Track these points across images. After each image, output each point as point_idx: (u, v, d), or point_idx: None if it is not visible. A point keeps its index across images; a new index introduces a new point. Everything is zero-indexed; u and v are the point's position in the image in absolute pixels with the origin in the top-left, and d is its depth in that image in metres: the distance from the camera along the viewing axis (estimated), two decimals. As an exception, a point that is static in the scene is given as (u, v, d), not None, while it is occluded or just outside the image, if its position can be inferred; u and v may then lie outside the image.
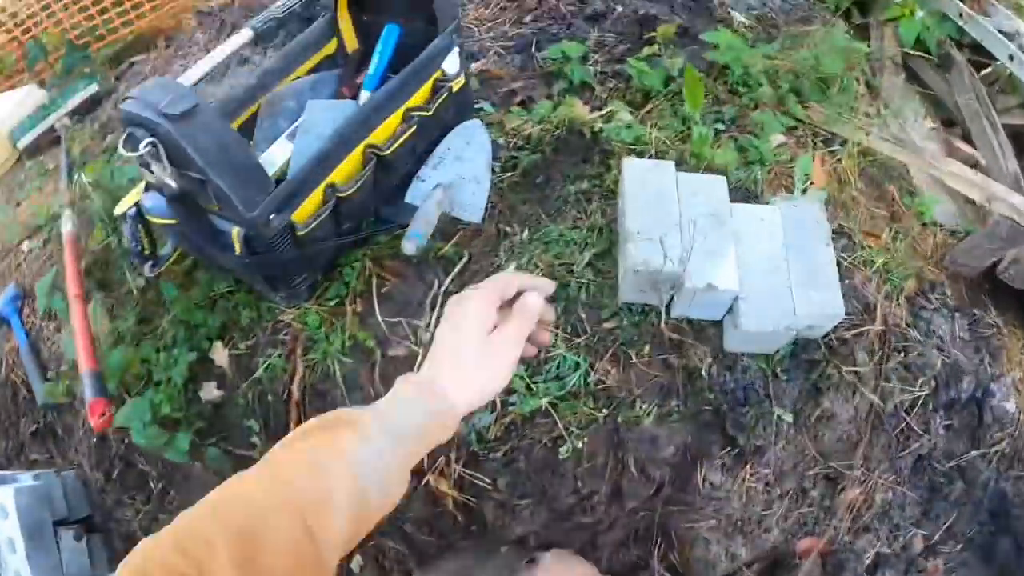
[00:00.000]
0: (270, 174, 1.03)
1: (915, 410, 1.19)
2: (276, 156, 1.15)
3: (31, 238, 1.58)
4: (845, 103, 1.39)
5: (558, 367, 1.13)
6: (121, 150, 0.91)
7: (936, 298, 1.27)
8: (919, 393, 1.19)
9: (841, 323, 1.14)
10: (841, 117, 1.40)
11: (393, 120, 1.13)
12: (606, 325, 1.17)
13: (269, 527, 0.55)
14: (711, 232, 1.10)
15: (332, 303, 1.23)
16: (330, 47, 1.31)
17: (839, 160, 1.40)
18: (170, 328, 1.30)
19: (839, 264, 1.16)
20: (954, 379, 1.20)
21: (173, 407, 1.28)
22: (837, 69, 1.41)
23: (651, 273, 1.05)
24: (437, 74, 1.18)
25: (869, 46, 1.60)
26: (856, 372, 1.15)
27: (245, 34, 1.04)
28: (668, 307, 1.13)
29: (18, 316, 1.49)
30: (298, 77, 1.28)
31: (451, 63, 1.19)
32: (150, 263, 1.14)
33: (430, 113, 1.17)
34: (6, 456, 1.54)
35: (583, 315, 1.16)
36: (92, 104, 1.83)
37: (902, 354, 1.21)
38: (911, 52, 1.63)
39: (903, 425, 1.18)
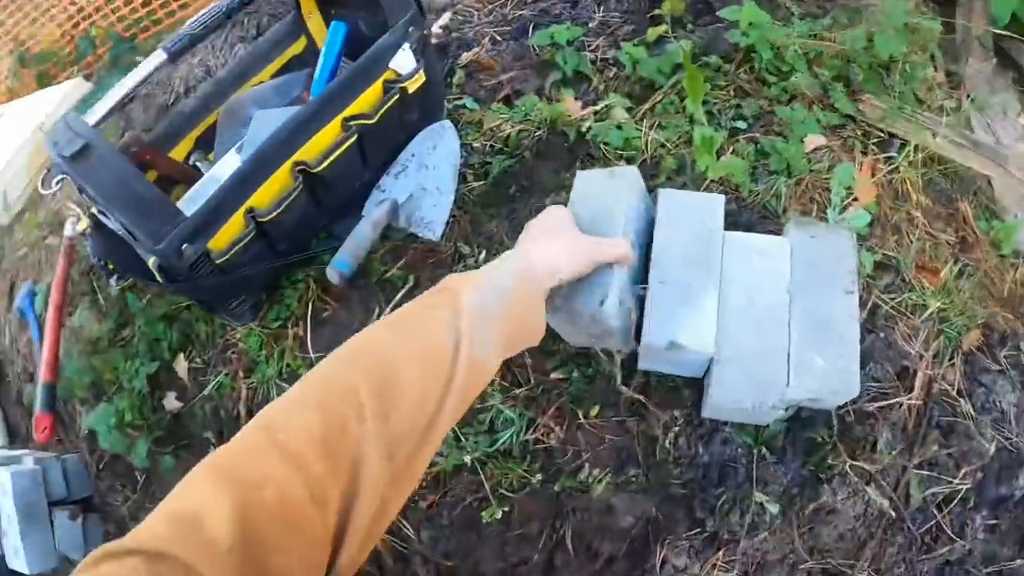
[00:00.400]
0: (214, 190, 0.97)
1: (950, 507, 0.94)
2: (223, 171, 1.07)
3: (54, 234, 1.63)
4: (909, 95, 1.05)
5: (491, 421, 1.00)
6: (40, 189, 0.93)
7: (1006, 357, 0.98)
8: (959, 486, 0.93)
9: (866, 390, 0.91)
10: (903, 112, 1.10)
11: (330, 131, 1.02)
12: (553, 375, 1.01)
13: (402, 376, 0.58)
14: (688, 270, 0.87)
15: (275, 325, 1.17)
16: (298, 46, 1.23)
17: (895, 169, 1.10)
18: (136, 338, 1.32)
19: (877, 311, 0.95)
20: (1011, 471, 0.94)
21: (135, 415, 1.30)
22: (898, 52, 1.10)
23: (593, 322, 0.83)
24: (387, 75, 1.04)
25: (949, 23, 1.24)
26: (872, 463, 0.93)
27: (158, 56, 1.00)
28: (627, 360, 0.96)
29: (32, 311, 1.56)
30: (262, 81, 1.20)
31: (403, 61, 1.05)
32: (115, 277, 1.12)
33: (373, 121, 1.04)
34: (19, 436, 1.65)
35: (527, 361, 1.01)
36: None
37: (944, 435, 0.95)
38: (1005, 32, 1.26)
39: (931, 525, 0.94)
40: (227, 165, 1.07)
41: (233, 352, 1.14)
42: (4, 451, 1.49)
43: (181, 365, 1.24)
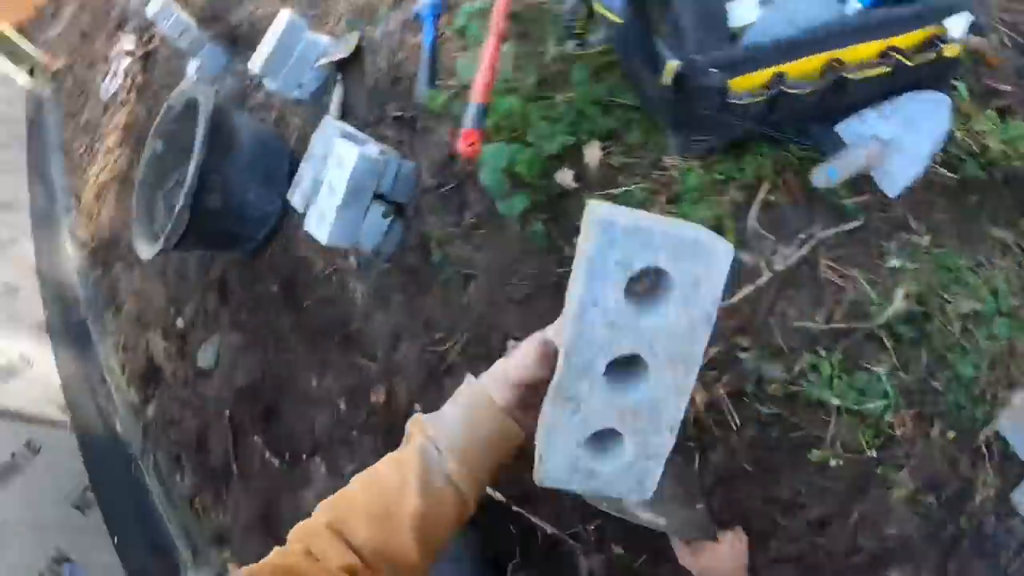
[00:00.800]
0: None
1: None
2: (741, 14, 1.15)
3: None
4: None
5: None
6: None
7: None
8: None
9: None
10: None
11: (869, 48, 1.09)
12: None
13: (358, 514, 0.73)
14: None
15: (718, 177, 1.24)
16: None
17: None
18: (563, 105, 1.37)
19: None
20: None
21: (529, 172, 1.37)
22: None
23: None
24: (937, 30, 1.10)
25: None
26: None
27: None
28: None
29: (433, 20, 1.61)
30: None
31: (956, 25, 1.10)
32: (575, 42, 1.18)
33: (911, 63, 1.09)
34: (365, 122, 1.77)
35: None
36: None
37: None
38: None
39: None
40: (747, 10, 1.17)
41: (661, 173, 1.23)
42: (355, 131, 1.62)
43: (593, 152, 1.32)
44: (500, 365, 0.73)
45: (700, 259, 0.54)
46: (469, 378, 0.75)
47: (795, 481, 1.08)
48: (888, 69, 1.08)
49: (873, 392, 1.05)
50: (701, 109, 1.07)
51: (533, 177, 1.37)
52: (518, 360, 0.70)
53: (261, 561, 0.65)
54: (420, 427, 0.73)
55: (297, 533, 0.69)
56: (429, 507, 0.70)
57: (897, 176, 1.21)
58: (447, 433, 0.73)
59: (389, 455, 0.73)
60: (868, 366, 1.06)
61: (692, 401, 1.13)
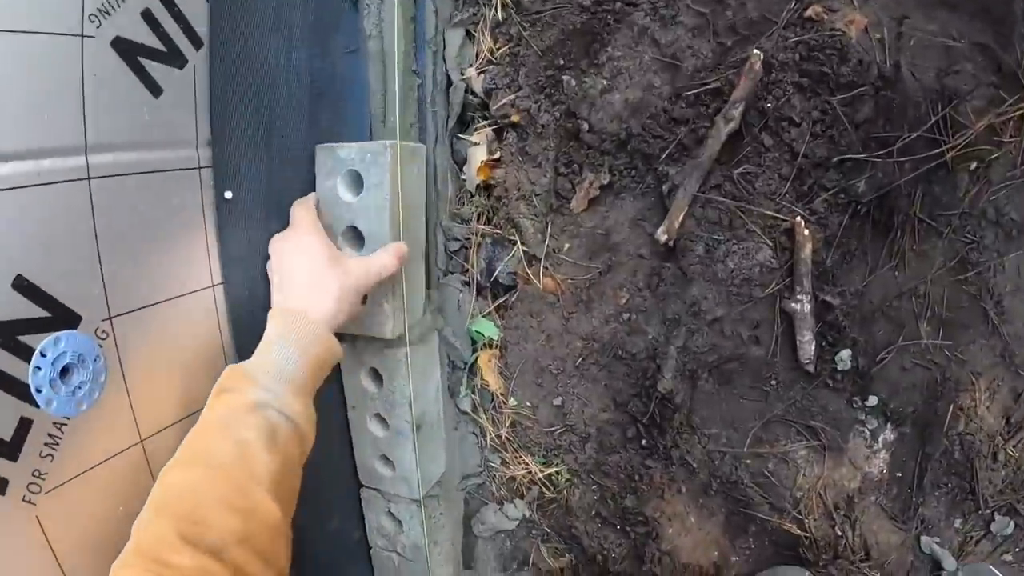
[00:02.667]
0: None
1: None
2: None
3: None
4: None
5: None
6: None
7: None
8: None
9: None
10: None
11: None
12: None
13: (204, 501, 0.66)
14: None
15: None
16: None
17: None
18: None
19: None
20: None
21: None
22: None
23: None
24: None
25: None
26: None
27: None
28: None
29: None
30: None
31: None
32: None
33: None
34: None
35: None
36: None
37: None
38: None
39: None
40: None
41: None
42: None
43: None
44: (321, 310, 0.79)
45: (379, 165, 0.88)
46: (287, 314, 0.78)
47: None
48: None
49: None
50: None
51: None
52: (382, 266, 0.85)
53: None
54: (247, 379, 0.73)
55: (144, 551, 0.63)
56: (280, 460, 0.71)
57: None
58: (285, 377, 0.75)
59: (206, 425, 0.72)
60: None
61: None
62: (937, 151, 0.88)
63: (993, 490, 0.94)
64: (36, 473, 0.72)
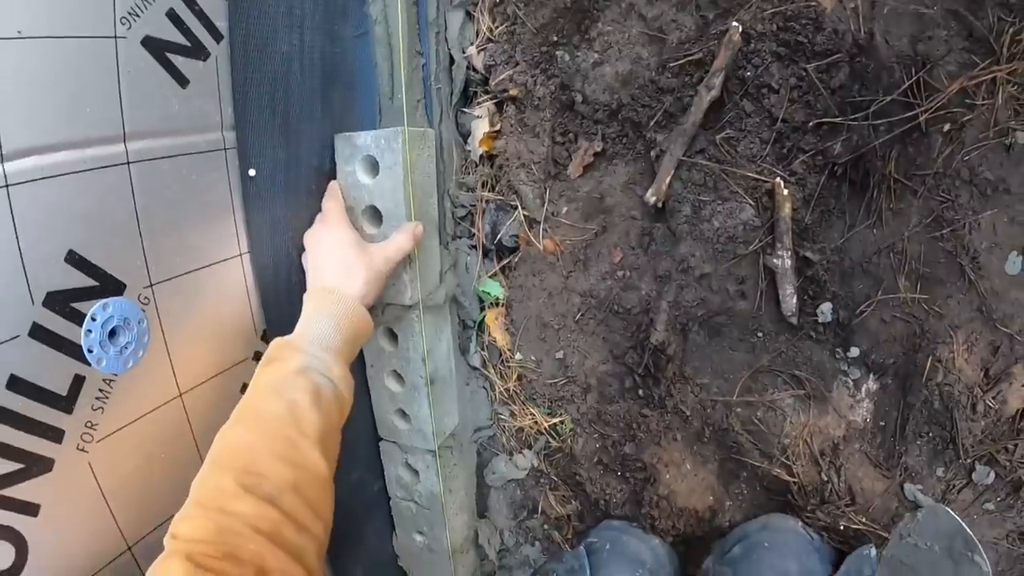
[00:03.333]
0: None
1: None
2: None
3: None
4: None
5: None
6: None
7: None
8: None
9: None
10: None
11: None
12: None
13: (260, 454, 0.72)
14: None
15: None
16: None
17: None
18: None
19: None
20: None
21: None
22: None
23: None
24: None
25: None
26: None
27: None
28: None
29: None
30: None
31: None
32: None
33: None
34: None
35: None
36: None
37: None
38: None
39: None
40: None
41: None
42: None
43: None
44: (355, 291, 0.90)
45: (392, 150, 0.98)
46: (323, 292, 0.89)
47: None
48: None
49: None
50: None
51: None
52: (400, 247, 0.96)
53: (190, 537, 0.65)
54: (292, 348, 0.82)
55: (205, 503, 0.68)
56: (324, 418, 0.78)
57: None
58: (325, 346, 0.84)
59: (258, 389, 0.79)
60: None
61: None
62: (911, 114, 0.92)
63: (973, 440, 0.99)
64: (88, 424, 0.80)
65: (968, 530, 0.89)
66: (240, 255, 0.99)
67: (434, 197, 1.08)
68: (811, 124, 0.97)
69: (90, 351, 0.79)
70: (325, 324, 0.86)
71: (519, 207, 1.12)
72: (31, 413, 0.73)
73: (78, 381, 0.79)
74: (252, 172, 0.96)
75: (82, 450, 0.81)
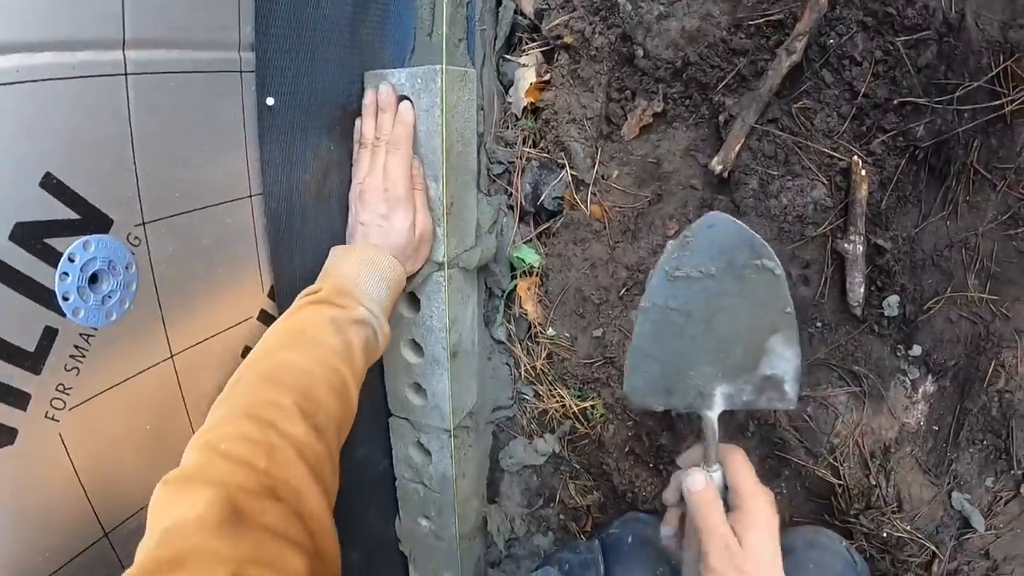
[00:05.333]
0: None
1: None
2: None
3: None
4: None
5: None
6: None
7: None
8: None
9: None
10: None
11: None
12: None
13: (318, 382, 0.69)
14: None
15: None
16: None
17: None
18: None
19: None
20: None
21: None
22: None
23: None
24: None
25: None
26: None
27: None
28: None
29: None
30: None
31: None
32: None
33: None
34: None
35: None
36: None
37: None
38: None
39: None
40: None
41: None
42: None
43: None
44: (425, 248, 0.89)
45: (429, 91, 0.86)
46: (375, 250, 0.84)
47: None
48: None
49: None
50: None
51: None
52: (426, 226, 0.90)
53: (237, 456, 0.60)
54: (352, 299, 0.80)
55: (258, 416, 0.63)
56: (364, 372, 0.79)
57: None
58: (380, 305, 0.82)
59: (314, 320, 0.76)
60: None
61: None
62: (996, 103, 0.89)
63: None
64: (60, 388, 0.66)
65: (753, 232, 0.73)
66: (250, 196, 0.85)
67: (473, 145, 0.98)
68: (894, 102, 0.93)
69: (65, 299, 0.64)
70: (379, 283, 0.84)
71: (566, 166, 0.98)
72: (-11, 372, 0.66)
73: (49, 335, 0.63)
74: (270, 101, 0.83)
75: (52, 418, 0.66)
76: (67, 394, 0.66)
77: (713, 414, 0.76)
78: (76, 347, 0.67)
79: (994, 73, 0.86)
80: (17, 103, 0.57)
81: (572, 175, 1.05)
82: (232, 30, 0.77)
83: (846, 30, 0.88)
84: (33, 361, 0.62)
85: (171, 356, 0.81)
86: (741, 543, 0.69)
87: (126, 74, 0.69)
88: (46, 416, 0.65)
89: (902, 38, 0.87)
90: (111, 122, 0.66)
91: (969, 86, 0.86)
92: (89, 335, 0.67)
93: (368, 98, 0.92)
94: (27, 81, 0.60)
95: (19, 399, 0.62)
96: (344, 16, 0.90)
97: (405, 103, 0.90)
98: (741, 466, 0.74)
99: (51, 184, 0.62)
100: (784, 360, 0.74)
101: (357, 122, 0.93)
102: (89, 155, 0.64)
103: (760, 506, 0.71)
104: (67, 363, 0.66)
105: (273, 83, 0.82)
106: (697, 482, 0.72)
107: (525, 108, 1.07)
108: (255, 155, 0.82)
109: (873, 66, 0.89)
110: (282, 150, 0.86)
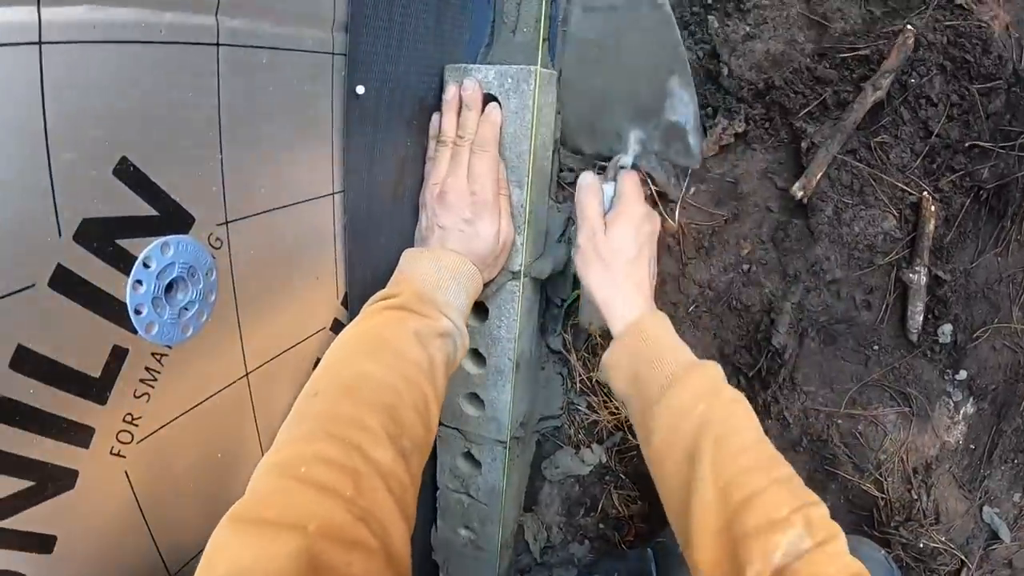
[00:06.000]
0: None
1: None
2: None
3: None
4: None
5: None
6: None
7: None
8: None
9: None
10: None
11: None
12: None
13: (404, 401, 0.58)
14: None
15: None
16: None
17: None
18: None
19: None
20: None
21: None
22: None
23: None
24: None
25: None
26: None
27: None
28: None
29: None
30: None
31: None
32: None
33: None
34: None
35: None
36: None
37: None
38: None
39: None
40: None
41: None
42: None
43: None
44: (480, 267, 0.75)
45: (520, 93, 0.73)
46: (459, 259, 0.71)
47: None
48: None
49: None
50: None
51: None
52: (508, 234, 0.77)
53: (323, 483, 0.47)
54: (435, 307, 0.68)
55: (341, 436, 0.51)
56: (446, 384, 0.67)
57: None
58: (462, 317, 0.71)
59: (395, 329, 0.63)
60: None
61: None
62: None
63: None
64: (128, 418, 0.49)
65: None
66: (332, 194, 0.69)
67: (551, 151, 0.83)
68: (965, 144, 0.91)
69: (138, 312, 0.47)
70: (461, 295, 0.71)
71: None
72: (47, 406, 0.43)
73: (118, 356, 0.46)
74: (361, 89, 0.67)
75: (117, 454, 0.49)
76: (135, 425, 0.52)
77: (628, 158, 0.79)
78: (147, 369, 0.52)
79: (1053, 123, 1.06)
80: (92, 68, 0.42)
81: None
82: (327, 4, 0.62)
83: (926, 71, 0.85)
84: (99, 389, 0.47)
85: (246, 374, 0.67)
86: (607, 233, 0.73)
87: (218, 44, 0.55)
88: (111, 452, 0.51)
89: (977, 85, 0.85)
90: (200, 99, 0.50)
91: (1031, 135, 1.07)
92: (162, 354, 0.52)
93: (450, 93, 0.79)
94: (105, 41, 0.45)
95: (81, 435, 0.47)
96: (430, 3, 0.74)
97: (493, 103, 0.78)
98: (632, 181, 0.77)
99: (127, 172, 0.46)
100: (684, 105, 0.75)
101: (434, 117, 0.81)
102: (172, 139, 0.49)
103: (632, 209, 0.75)
104: (137, 389, 0.51)
105: (363, 69, 0.67)
106: (586, 177, 0.77)
107: (604, 117, 0.97)
108: (340, 147, 0.67)
109: (948, 108, 0.87)
110: (366, 144, 0.71)
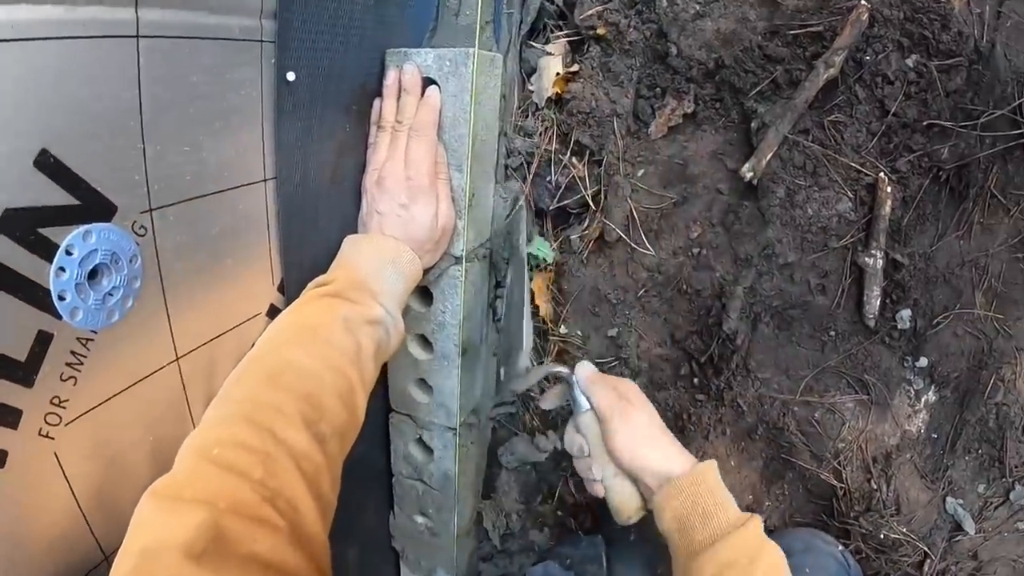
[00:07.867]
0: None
1: None
2: None
3: None
4: None
5: None
6: None
7: None
8: None
9: None
10: None
11: None
12: None
13: (325, 387, 0.63)
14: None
15: None
16: None
17: None
18: None
19: None
20: None
21: None
22: None
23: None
24: None
25: None
26: None
27: None
28: None
29: None
30: None
31: None
32: None
33: None
34: None
35: None
36: None
37: None
38: None
39: None
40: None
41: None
42: None
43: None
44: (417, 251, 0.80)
45: (458, 76, 0.78)
46: (395, 244, 0.77)
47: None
48: None
49: None
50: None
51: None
52: (448, 216, 0.81)
53: (231, 465, 0.54)
54: (368, 294, 0.73)
55: (257, 420, 0.57)
56: (374, 377, 0.73)
57: None
58: (397, 303, 0.76)
59: (325, 315, 0.69)
60: None
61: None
62: (1017, 131, 0.92)
63: (1019, 460, 1.07)
64: (55, 401, 0.56)
65: None
66: (264, 180, 0.75)
67: (495, 133, 0.87)
68: (923, 123, 0.95)
69: (61, 298, 0.54)
70: (398, 280, 0.77)
71: (588, 161, 0.89)
72: (-27, 389, 0.62)
73: (43, 340, 0.53)
74: (291, 76, 0.73)
75: (46, 436, 0.56)
76: (63, 408, 0.59)
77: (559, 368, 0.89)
78: (73, 353, 0.59)
79: (1017, 103, 0.87)
80: (11, 65, 0.48)
81: (596, 171, 1.01)
82: (255, -9, 0.71)
83: (882, 48, 0.90)
84: (25, 372, 0.54)
85: (176, 359, 0.74)
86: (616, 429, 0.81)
87: (138, 36, 0.60)
88: (40, 434, 0.57)
89: (935, 62, 0.89)
90: (120, 91, 0.56)
91: (993, 114, 0.88)
92: (88, 339, 0.58)
93: (390, 78, 0.85)
94: (23, 39, 0.51)
95: (9, 417, 0.53)
96: (369, -15, 0.84)
97: (432, 87, 0.83)
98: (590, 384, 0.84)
99: (47, 163, 0.52)
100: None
101: (376, 103, 0.86)
102: (92, 130, 0.54)
103: (627, 387, 0.83)
104: (63, 372, 0.58)
105: (294, 56, 0.73)
106: (585, 367, 0.85)
107: (549, 98, 1.02)
108: (271, 134, 0.73)
109: (905, 86, 0.91)
110: (298, 130, 0.77)
